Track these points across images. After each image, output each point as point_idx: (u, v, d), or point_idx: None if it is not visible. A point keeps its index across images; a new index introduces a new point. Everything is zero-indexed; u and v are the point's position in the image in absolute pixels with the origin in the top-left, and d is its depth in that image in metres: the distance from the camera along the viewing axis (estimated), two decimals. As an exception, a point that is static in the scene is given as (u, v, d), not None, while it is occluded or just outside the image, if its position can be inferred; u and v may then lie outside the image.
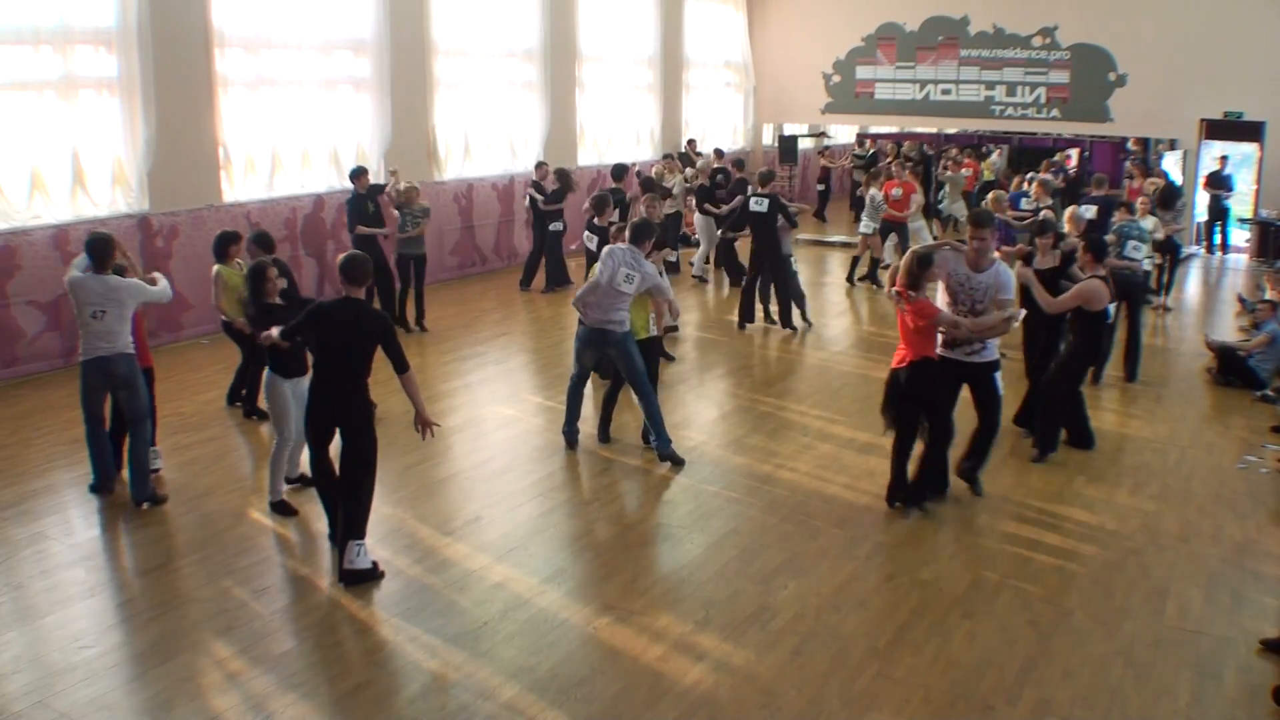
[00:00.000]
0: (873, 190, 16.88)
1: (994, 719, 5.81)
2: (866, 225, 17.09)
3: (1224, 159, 20.31)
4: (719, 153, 20.39)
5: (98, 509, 8.47)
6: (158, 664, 6.23)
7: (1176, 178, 20.50)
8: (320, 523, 8.11)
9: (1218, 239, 20.67)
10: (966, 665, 6.31)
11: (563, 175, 16.15)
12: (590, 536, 8.05)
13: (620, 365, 9.55)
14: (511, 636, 6.58)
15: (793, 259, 14.29)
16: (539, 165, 16.78)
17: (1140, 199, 14.69)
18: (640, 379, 9.45)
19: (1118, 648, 6.53)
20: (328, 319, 7.22)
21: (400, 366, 7.20)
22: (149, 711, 5.77)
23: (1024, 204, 16.19)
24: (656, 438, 9.50)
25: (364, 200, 13.76)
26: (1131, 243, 12.33)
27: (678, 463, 9.39)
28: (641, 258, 9.33)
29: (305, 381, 7.80)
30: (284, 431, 8.19)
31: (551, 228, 16.02)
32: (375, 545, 7.74)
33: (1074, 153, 22.70)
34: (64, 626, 6.65)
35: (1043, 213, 14.47)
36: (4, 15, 11.37)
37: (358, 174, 13.85)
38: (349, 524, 7.23)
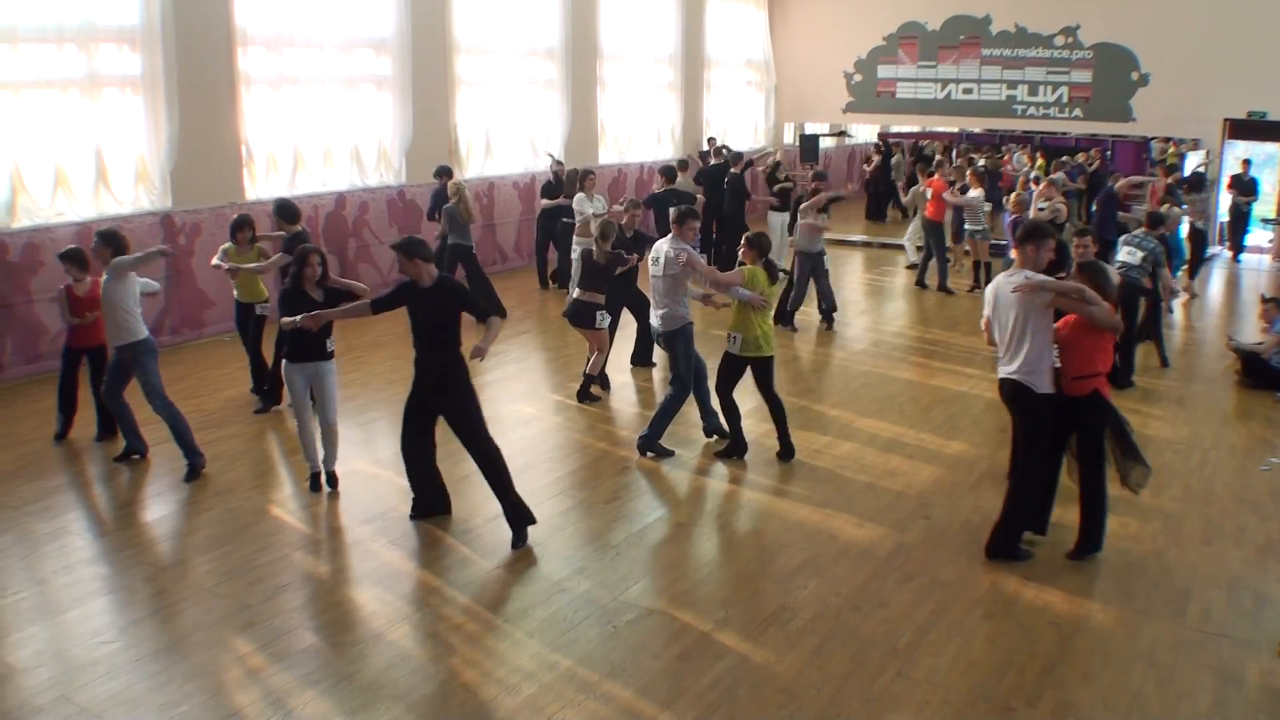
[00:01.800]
0: (974, 192, 16.67)
1: (1014, 721, 5.80)
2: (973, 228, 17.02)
3: (1247, 162, 20.08)
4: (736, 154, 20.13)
5: (120, 505, 8.53)
6: (179, 659, 6.26)
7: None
8: (339, 519, 8.16)
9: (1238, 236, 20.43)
10: (987, 666, 6.28)
11: (565, 172, 16.14)
12: (610, 535, 8.04)
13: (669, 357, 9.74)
14: (531, 634, 6.58)
15: (825, 258, 14.20)
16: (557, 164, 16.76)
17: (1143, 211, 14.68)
18: (676, 377, 9.57)
19: (1139, 650, 6.49)
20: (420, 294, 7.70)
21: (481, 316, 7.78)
22: (170, 706, 5.78)
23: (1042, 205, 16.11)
24: (649, 427, 9.60)
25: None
26: (1127, 248, 12.08)
27: (663, 454, 9.54)
28: (679, 243, 9.40)
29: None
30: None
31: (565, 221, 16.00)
32: (396, 542, 7.79)
33: (1093, 152, 22.62)
34: (86, 621, 6.69)
35: (1044, 210, 14.42)
36: (29, 14, 11.43)
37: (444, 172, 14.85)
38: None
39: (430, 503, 8.16)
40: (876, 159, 25.14)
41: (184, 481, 8.87)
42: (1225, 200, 20.53)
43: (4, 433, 10.01)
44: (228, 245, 10.62)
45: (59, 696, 5.86)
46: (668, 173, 16.11)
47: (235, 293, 10.65)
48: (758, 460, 9.53)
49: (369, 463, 9.42)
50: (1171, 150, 21.64)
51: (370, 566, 7.46)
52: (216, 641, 6.46)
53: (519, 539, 7.73)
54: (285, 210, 10.61)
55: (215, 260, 10.53)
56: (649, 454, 9.52)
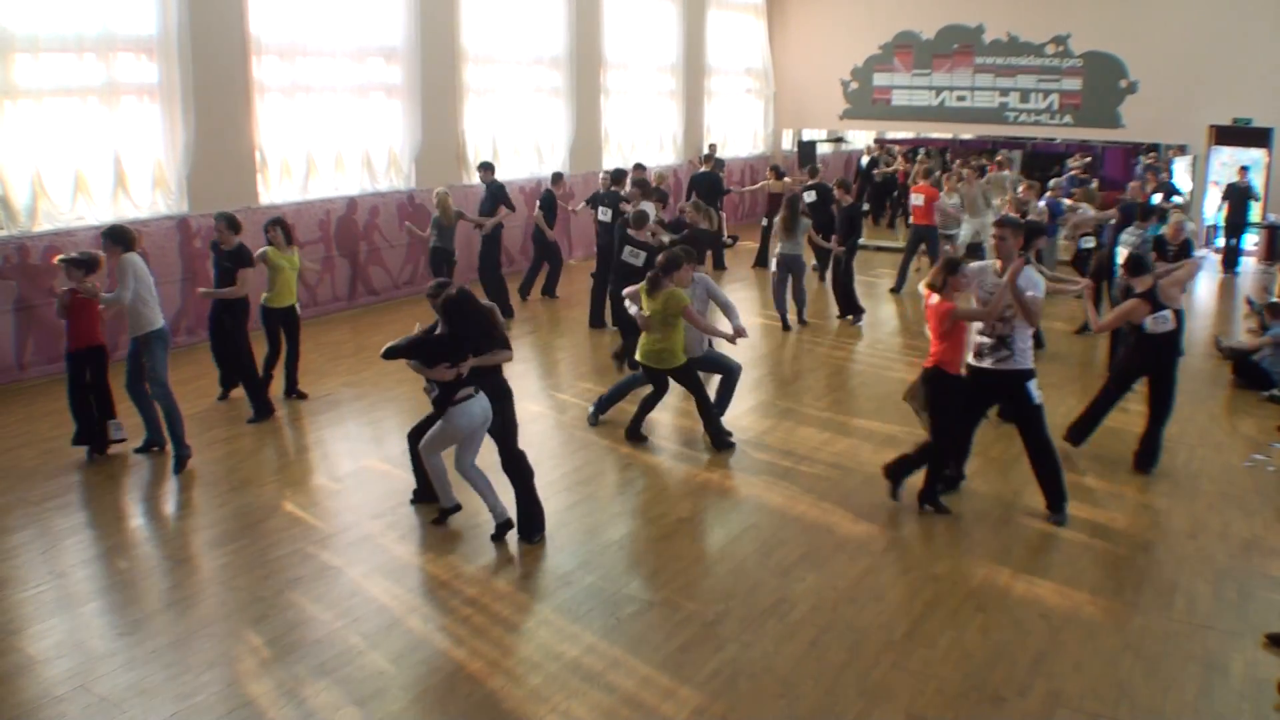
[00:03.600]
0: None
1: (1005, 710, 5.78)
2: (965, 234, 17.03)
3: (1244, 169, 19.50)
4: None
5: (137, 501, 8.54)
6: (195, 651, 6.26)
7: (1186, 184, 20.30)
8: (350, 514, 8.17)
9: (1232, 242, 19.63)
10: (979, 657, 6.28)
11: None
12: (614, 529, 8.04)
13: None
14: (537, 626, 6.59)
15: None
16: (557, 176, 16.36)
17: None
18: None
19: (1127, 641, 6.49)
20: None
21: None
22: (185, 696, 5.78)
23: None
24: (600, 405, 10.33)
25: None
26: (1119, 248, 12.17)
27: (593, 424, 10.24)
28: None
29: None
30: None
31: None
32: (401, 539, 7.79)
33: (1076, 155, 22.51)
34: (104, 614, 6.70)
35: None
36: (50, 24, 11.45)
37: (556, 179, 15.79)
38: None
39: (428, 489, 8.19)
40: (901, 165, 24.98)
41: (174, 473, 8.92)
42: (1213, 204, 20.39)
43: (25, 430, 10.02)
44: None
45: (78, 687, 5.87)
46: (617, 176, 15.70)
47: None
48: (756, 458, 9.53)
49: (379, 459, 9.42)
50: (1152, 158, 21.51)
51: (380, 560, 7.46)
52: (231, 633, 6.47)
53: (528, 538, 7.75)
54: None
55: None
56: (593, 412, 10.30)
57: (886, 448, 9.72)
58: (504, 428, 7.76)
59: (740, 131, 24.66)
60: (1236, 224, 19.46)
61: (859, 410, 10.90)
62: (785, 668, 6.14)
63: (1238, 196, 19.34)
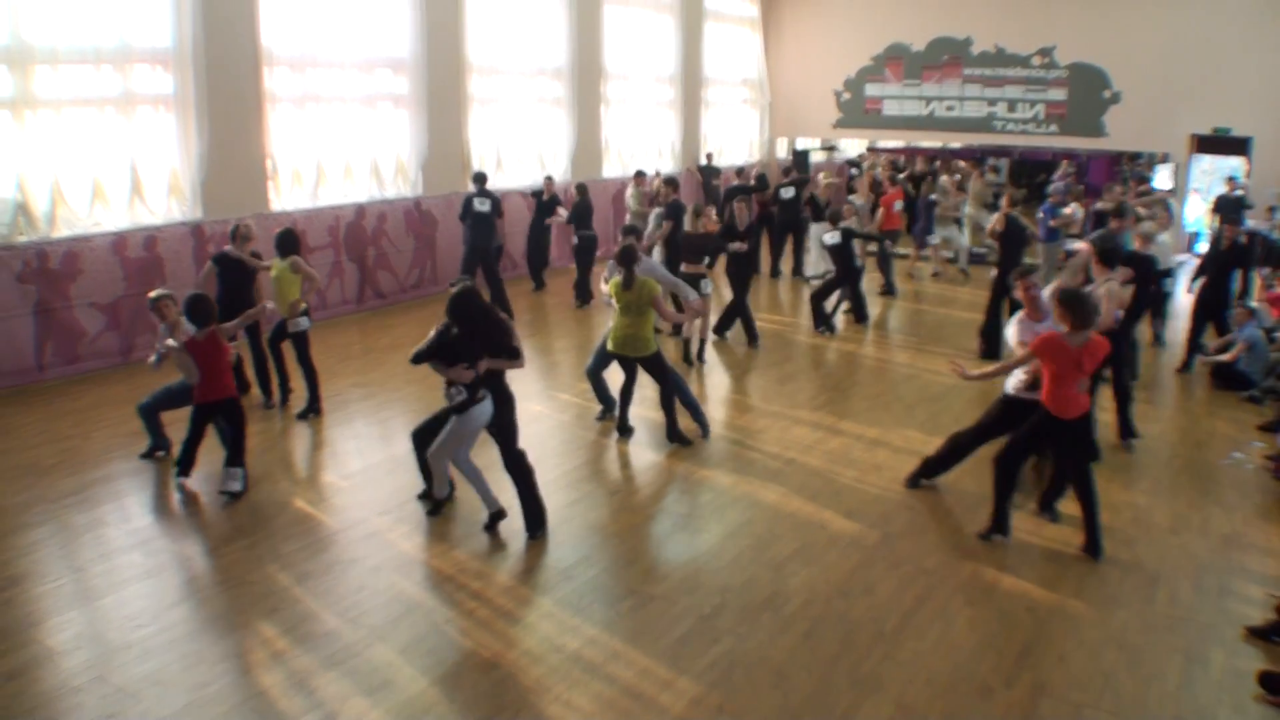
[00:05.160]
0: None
1: (992, 700, 5.79)
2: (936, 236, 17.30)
3: (1233, 179, 19.01)
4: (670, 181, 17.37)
5: (153, 498, 8.54)
6: (208, 643, 6.27)
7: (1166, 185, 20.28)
8: (358, 510, 8.18)
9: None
10: (967, 649, 6.29)
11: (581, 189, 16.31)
12: (614, 525, 8.05)
13: None
14: (539, 619, 6.60)
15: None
16: (547, 179, 16.78)
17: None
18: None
19: (1110, 633, 6.50)
20: None
21: None
22: (200, 687, 5.80)
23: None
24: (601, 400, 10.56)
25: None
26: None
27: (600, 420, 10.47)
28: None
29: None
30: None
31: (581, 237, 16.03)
32: (407, 535, 7.80)
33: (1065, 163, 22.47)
34: (121, 607, 6.70)
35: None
36: (69, 36, 11.45)
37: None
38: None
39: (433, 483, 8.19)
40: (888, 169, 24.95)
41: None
42: (1193, 211, 20.30)
43: (43, 430, 10.03)
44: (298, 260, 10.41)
45: (96, 677, 5.88)
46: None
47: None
48: (751, 456, 9.54)
49: (386, 458, 9.42)
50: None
51: (387, 555, 7.47)
52: (244, 625, 6.48)
53: (531, 534, 7.77)
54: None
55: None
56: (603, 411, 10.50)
57: (878, 446, 9.74)
58: (505, 430, 7.75)
59: (736, 140, 24.65)
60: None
61: (851, 411, 10.90)
62: (779, 659, 6.15)
63: (1229, 208, 18.40)
